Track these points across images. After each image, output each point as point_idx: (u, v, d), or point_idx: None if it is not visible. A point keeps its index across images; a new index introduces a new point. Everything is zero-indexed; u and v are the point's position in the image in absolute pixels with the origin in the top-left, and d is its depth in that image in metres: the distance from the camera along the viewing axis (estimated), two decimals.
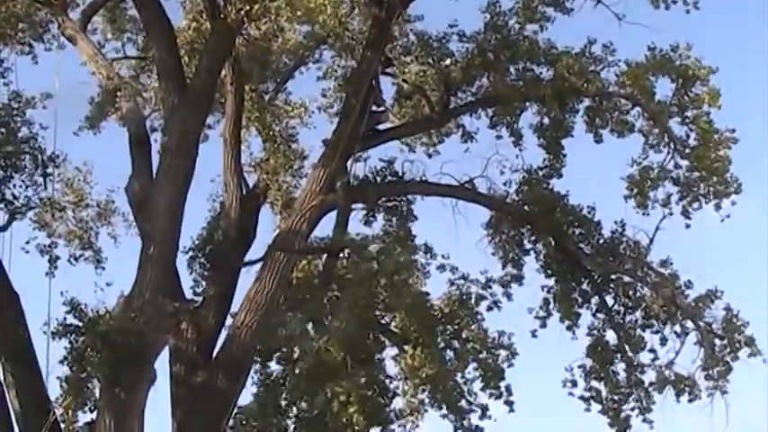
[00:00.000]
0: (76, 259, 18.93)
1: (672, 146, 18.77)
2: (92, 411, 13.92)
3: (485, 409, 16.30)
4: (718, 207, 18.50)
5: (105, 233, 19.56)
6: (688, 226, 18.80)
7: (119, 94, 17.68)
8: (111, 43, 20.81)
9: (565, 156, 19.41)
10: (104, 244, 19.40)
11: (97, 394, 13.90)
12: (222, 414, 15.48)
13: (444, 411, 15.78)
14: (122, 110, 17.77)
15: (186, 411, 15.52)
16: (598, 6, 17.88)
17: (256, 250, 17.46)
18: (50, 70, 18.12)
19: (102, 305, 14.36)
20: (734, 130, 18.31)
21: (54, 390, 14.32)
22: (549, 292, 19.18)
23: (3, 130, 15.59)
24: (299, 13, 17.81)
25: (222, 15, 15.26)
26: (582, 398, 18.36)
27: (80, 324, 14.08)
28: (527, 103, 19.35)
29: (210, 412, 15.40)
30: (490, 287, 18.16)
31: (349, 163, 18.07)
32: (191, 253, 17.67)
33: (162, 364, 15.40)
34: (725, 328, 17.78)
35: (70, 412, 13.87)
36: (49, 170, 16.61)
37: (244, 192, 18.06)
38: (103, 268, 19.11)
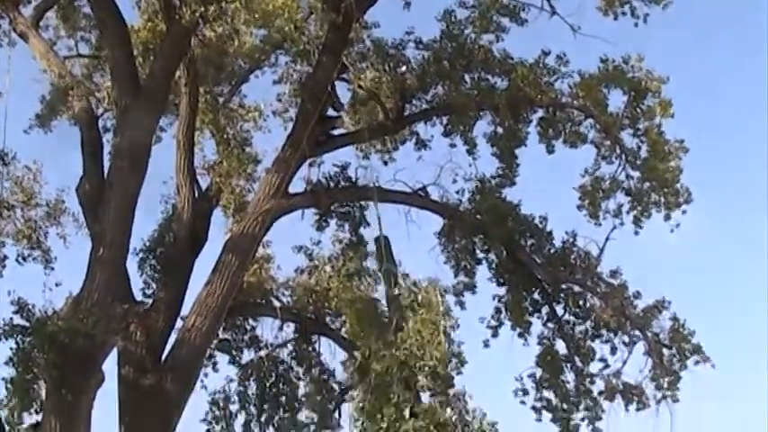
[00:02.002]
0: (24, 259, 18.42)
1: (623, 157, 19.01)
2: (37, 413, 13.64)
3: None
4: (668, 217, 18.76)
5: (54, 233, 19.16)
6: (637, 233, 19.03)
7: (71, 92, 17.44)
8: (64, 41, 20.61)
9: (518, 165, 19.58)
10: (54, 244, 19.03)
11: (43, 396, 13.65)
12: (171, 417, 15.36)
13: None
14: (74, 109, 17.53)
15: (135, 414, 15.31)
16: (553, 17, 17.96)
17: (208, 253, 17.39)
18: (1, 67, 17.83)
19: (51, 306, 14.21)
20: (683, 141, 18.61)
21: None
22: (500, 301, 19.27)
23: None
24: (255, 16, 17.72)
25: (178, 16, 15.15)
26: (533, 408, 18.44)
27: (27, 324, 13.87)
28: (481, 113, 19.45)
29: (159, 416, 15.25)
30: (443, 296, 18.20)
31: (304, 167, 18.05)
32: (141, 255, 17.53)
33: (110, 366, 15.24)
34: (672, 338, 17.99)
35: (15, 414, 13.59)
36: None
37: (196, 194, 17.92)
38: (52, 268, 18.61)
